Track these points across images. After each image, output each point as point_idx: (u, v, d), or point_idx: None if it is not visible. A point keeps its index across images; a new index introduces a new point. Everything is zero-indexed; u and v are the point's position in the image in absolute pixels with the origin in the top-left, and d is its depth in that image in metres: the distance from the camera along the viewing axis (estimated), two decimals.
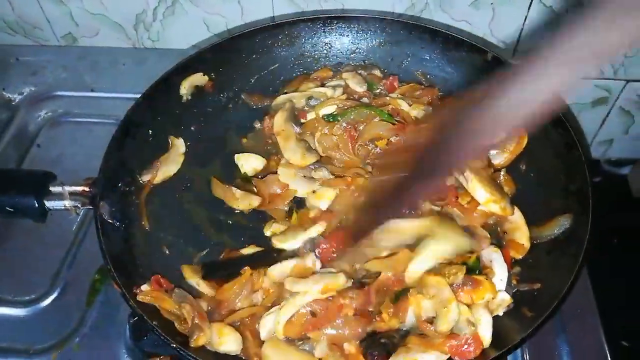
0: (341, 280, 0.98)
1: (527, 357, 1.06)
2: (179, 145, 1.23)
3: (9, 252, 1.27)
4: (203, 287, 1.04)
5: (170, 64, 1.27)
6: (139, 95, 1.21)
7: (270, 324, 0.97)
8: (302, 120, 1.27)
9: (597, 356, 1.06)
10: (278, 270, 1.03)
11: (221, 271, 1.06)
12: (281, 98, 1.31)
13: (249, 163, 1.22)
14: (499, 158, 1.16)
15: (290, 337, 0.98)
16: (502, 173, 1.15)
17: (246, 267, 1.03)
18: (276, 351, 0.96)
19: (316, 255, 1.04)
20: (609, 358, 1.06)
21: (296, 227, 1.09)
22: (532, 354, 1.06)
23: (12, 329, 1.16)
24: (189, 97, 1.29)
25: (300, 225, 1.09)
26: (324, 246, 1.04)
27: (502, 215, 1.06)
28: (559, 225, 1.03)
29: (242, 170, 1.22)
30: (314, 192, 1.13)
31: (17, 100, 1.57)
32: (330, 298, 0.97)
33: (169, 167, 1.20)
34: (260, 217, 1.16)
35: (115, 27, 1.65)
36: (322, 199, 1.12)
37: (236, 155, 1.23)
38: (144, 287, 1.00)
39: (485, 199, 1.05)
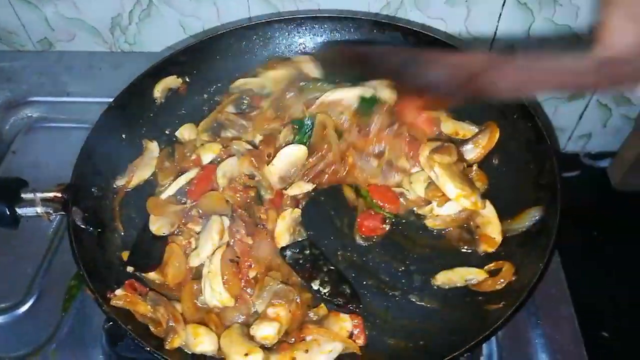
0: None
1: (504, 353, 1.06)
2: (153, 149, 1.23)
3: None
4: (151, 275, 1.06)
5: (146, 67, 1.27)
6: None
7: (209, 295, 1.00)
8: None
9: (573, 347, 1.07)
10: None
11: (147, 258, 1.08)
12: (238, 82, 1.32)
13: None
14: (472, 153, 1.17)
15: (237, 295, 1.01)
16: (474, 168, 1.15)
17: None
18: (228, 342, 0.97)
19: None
20: (584, 349, 1.06)
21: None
22: (508, 348, 1.07)
23: None
24: (163, 100, 1.28)
25: None
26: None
27: (473, 210, 1.07)
28: (530, 218, 1.04)
29: None
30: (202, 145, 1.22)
31: None
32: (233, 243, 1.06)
33: (143, 171, 1.20)
34: None
35: (91, 31, 1.64)
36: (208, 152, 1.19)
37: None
38: (118, 292, 1.00)
39: (456, 194, 1.06)
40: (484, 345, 1.08)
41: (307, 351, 0.95)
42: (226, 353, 0.95)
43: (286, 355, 0.95)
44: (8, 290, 1.20)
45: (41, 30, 1.65)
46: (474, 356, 1.05)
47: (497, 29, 1.55)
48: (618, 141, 1.80)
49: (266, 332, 0.96)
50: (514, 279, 1.00)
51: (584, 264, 1.39)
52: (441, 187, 1.07)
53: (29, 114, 1.54)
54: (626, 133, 1.76)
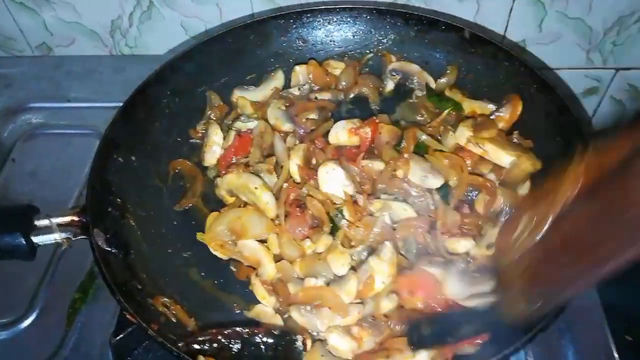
0: None
1: None
2: None
3: None
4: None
5: (148, 71, 1.23)
6: (117, 104, 1.17)
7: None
8: None
9: (603, 354, 1.02)
10: None
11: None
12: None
13: None
14: None
15: None
16: (514, 134, 1.12)
17: None
18: None
19: None
20: (615, 355, 1.02)
21: None
22: (537, 355, 1.02)
23: None
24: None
25: None
26: None
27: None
28: None
29: None
30: None
31: None
32: None
33: None
34: None
35: (90, 34, 1.60)
36: None
37: None
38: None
39: (511, 161, 1.05)
40: None
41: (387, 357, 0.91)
42: None
43: None
44: (9, 304, 1.15)
45: (39, 35, 1.61)
46: None
47: (508, 24, 1.51)
48: None
49: (340, 345, 0.93)
50: None
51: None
52: (494, 159, 1.06)
53: (29, 121, 1.49)
54: None
